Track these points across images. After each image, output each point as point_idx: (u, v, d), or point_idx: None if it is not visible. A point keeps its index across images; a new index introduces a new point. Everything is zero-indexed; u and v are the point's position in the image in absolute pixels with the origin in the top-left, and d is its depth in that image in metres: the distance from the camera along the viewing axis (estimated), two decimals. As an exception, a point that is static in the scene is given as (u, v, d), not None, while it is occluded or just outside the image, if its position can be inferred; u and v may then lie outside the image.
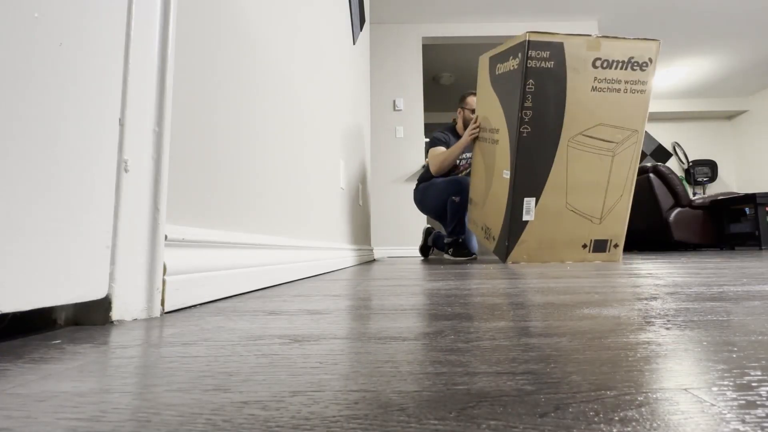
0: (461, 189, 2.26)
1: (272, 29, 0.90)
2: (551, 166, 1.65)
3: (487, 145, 1.86)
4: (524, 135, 1.62)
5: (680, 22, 3.90)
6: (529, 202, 1.66)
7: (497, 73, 1.75)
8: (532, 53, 1.57)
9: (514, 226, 1.67)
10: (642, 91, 1.65)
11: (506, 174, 1.68)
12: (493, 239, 1.80)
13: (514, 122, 1.63)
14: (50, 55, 0.33)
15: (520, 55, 1.59)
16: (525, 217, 1.67)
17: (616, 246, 1.77)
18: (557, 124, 1.63)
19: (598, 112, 1.64)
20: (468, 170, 2.40)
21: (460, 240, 2.35)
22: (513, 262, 1.70)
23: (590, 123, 1.64)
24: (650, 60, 1.62)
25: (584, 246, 1.74)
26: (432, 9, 3.57)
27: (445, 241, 2.40)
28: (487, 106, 1.87)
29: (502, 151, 1.72)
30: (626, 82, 1.62)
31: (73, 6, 0.35)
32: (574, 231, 1.72)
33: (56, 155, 0.33)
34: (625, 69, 1.61)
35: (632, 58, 1.61)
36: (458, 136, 2.39)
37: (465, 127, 2.39)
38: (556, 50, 1.58)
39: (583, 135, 1.65)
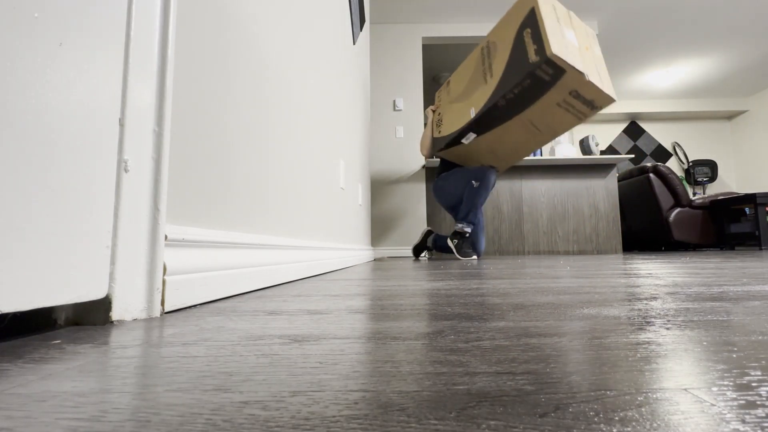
0: (484, 177, 2.34)
1: (273, 31, 0.90)
2: (497, 126, 2.14)
3: (481, 69, 2.18)
4: (499, 105, 2.02)
5: (680, 22, 3.90)
6: (470, 136, 2.23)
7: (526, 33, 1.93)
8: (545, 66, 1.77)
9: (456, 139, 2.26)
10: (581, 118, 2.04)
11: (472, 112, 2.14)
12: (439, 132, 2.41)
13: (501, 91, 1.97)
14: (50, 54, 0.33)
15: (539, 57, 1.79)
16: (463, 140, 2.27)
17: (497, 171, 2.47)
18: (521, 110, 2.03)
19: (549, 116, 2.05)
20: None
21: (467, 234, 2.35)
22: (437, 154, 2.45)
23: (540, 118, 2.06)
24: (600, 106, 1.98)
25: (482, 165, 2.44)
26: (432, 9, 3.57)
27: (456, 228, 2.38)
28: (503, 36, 2.07)
29: (482, 92, 2.11)
30: (578, 110, 2.00)
31: (73, 6, 0.35)
32: (485, 158, 2.40)
33: (56, 155, 0.33)
34: (584, 104, 1.96)
35: (594, 101, 1.94)
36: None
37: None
38: (559, 74, 1.79)
39: (530, 121, 2.09)
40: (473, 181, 2.36)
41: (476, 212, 2.36)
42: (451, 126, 2.31)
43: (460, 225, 2.37)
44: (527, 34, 1.87)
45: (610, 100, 1.91)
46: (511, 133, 2.17)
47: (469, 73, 2.28)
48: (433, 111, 2.55)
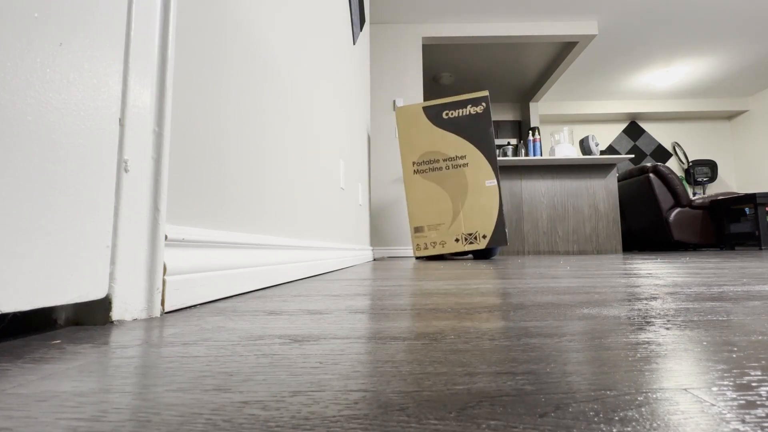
0: None
1: (274, 32, 0.90)
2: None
3: (448, 172, 2.33)
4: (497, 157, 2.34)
5: (680, 22, 3.90)
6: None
7: (445, 117, 2.34)
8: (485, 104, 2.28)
9: (504, 217, 2.28)
10: None
11: (490, 182, 2.26)
12: (483, 237, 2.26)
13: (490, 145, 2.25)
14: (50, 54, 0.33)
15: (483, 104, 2.28)
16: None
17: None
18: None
19: None
20: None
21: None
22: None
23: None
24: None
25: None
26: (432, 9, 3.57)
27: None
28: (434, 142, 2.35)
29: (477, 168, 2.28)
30: None
31: (73, 6, 0.35)
32: None
33: (56, 155, 0.33)
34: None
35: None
36: None
37: None
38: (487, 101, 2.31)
39: None
40: None
41: None
42: (484, 221, 2.23)
43: None
44: (439, 113, 2.37)
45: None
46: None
47: (433, 193, 2.33)
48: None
